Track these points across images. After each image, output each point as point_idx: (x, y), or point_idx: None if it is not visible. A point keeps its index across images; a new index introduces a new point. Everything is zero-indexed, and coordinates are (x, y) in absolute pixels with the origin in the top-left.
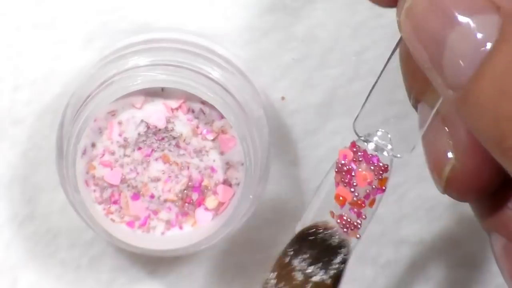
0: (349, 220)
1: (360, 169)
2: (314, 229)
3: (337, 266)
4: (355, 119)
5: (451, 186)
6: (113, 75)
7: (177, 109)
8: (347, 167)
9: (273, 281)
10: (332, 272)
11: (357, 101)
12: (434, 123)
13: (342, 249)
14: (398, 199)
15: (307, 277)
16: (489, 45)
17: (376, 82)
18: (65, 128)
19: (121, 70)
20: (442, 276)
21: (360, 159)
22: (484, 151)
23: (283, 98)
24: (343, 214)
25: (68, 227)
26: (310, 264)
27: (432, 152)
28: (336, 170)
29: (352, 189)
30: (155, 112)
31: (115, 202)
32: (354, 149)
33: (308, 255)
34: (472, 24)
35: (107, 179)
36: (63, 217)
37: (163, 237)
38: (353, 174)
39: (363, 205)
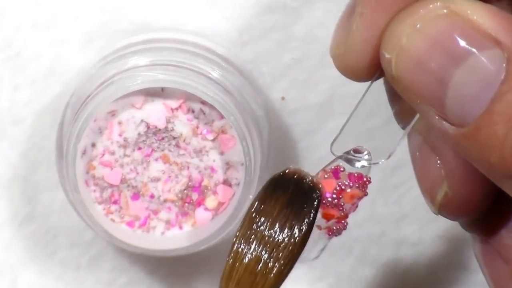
0: (338, 227)
1: (347, 192)
2: (285, 175)
3: (309, 212)
4: (332, 142)
5: (444, 211)
6: (113, 75)
7: (177, 109)
8: (333, 193)
9: (241, 235)
10: (303, 220)
11: (357, 101)
12: (423, 150)
13: (314, 194)
14: (398, 199)
15: (275, 231)
16: (498, 82)
17: (355, 108)
18: (65, 128)
19: (121, 70)
20: (442, 276)
21: (346, 182)
22: (475, 177)
23: (283, 98)
24: (331, 226)
25: (68, 227)
26: (279, 215)
27: (423, 180)
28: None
29: (339, 207)
30: (155, 112)
31: (115, 202)
32: (340, 172)
33: (279, 203)
34: (478, 60)
35: (107, 179)
36: (63, 217)
37: (163, 237)
38: (340, 197)
39: (348, 215)
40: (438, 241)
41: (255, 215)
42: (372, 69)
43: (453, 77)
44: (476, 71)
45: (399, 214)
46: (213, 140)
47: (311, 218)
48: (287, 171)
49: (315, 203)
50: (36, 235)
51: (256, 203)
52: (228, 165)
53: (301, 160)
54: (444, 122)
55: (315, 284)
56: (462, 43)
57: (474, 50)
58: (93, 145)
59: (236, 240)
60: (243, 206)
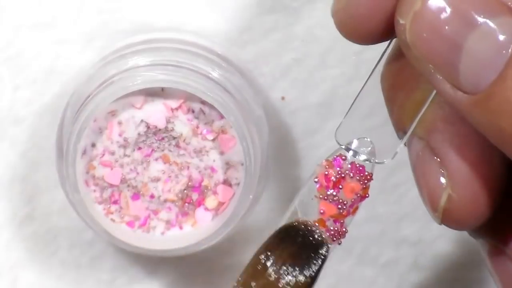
0: (336, 229)
1: (347, 182)
2: (294, 226)
3: (314, 264)
4: (337, 129)
5: (448, 217)
6: (113, 75)
7: (177, 109)
8: (333, 181)
9: (243, 281)
10: (308, 271)
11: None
12: (424, 156)
13: (322, 248)
14: (398, 199)
15: (280, 276)
16: (510, 47)
17: (359, 93)
18: (65, 128)
19: (121, 70)
20: (442, 276)
21: (347, 171)
22: (480, 177)
23: (283, 98)
24: (329, 225)
25: (68, 227)
26: (285, 263)
27: (425, 186)
28: (319, 186)
29: (338, 203)
30: (155, 112)
31: (115, 202)
32: (342, 161)
33: (285, 253)
34: (491, 26)
35: (107, 179)
36: (63, 217)
37: (163, 237)
38: (340, 187)
39: (347, 215)
40: (438, 241)
41: (259, 263)
42: (377, 22)
43: (466, 42)
44: (489, 37)
45: (399, 214)
46: (213, 140)
47: (316, 271)
48: (295, 223)
49: (322, 256)
50: (36, 235)
51: (262, 251)
52: (228, 165)
53: (301, 160)
54: (458, 92)
55: (315, 284)
56: (476, 8)
57: (486, 16)
58: (93, 145)
59: (237, 285)
60: (243, 206)
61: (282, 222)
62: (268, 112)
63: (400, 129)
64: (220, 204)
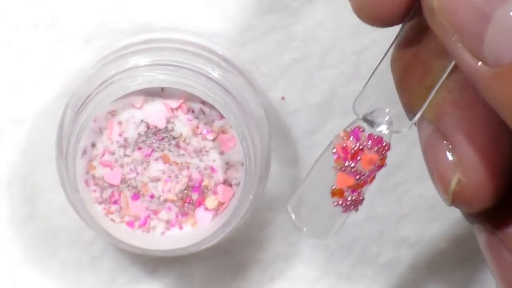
0: (353, 198)
1: (365, 153)
2: None
3: None
4: (355, 100)
5: (458, 200)
6: (113, 75)
7: (177, 109)
8: (351, 154)
9: None
10: None
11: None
12: (434, 139)
13: None
14: (398, 199)
15: None
16: None
17: (377, 67)
18: (65, 128)
19: (121, 70)
20: (442, 276)
21: (364, 143)
22: (489, 162)
23: (283, 98)
24: (346, 196)
25: (68, 227)
26: None
27: (435, 169)
28: (337, 157)
29: (355, 174)
30: (155, 112)
31: (115, 202)
32: (360, 132)
33: None
34: None
35: (107, 179)
36: (63, 217)
37: (163, 237)
38: (358, 158)
39: (364, 185)
40: (438, 241)
41: None
42: (395, 3)
43: (496, 12)
44: None
45: (399, 214)
46: (213, 140)
47: None
48: None
49: None
50: (36, 235)
51: None
52: (228, 165)
53: (301, 160)
54: (478, 63)
55: (315, 284)
56: None
57: None
58: (93, 145)
59: None
60: (243, 206)
61: (300, 189)
62: (268, 112)
63: (410, 113)
64: (220, 204)
